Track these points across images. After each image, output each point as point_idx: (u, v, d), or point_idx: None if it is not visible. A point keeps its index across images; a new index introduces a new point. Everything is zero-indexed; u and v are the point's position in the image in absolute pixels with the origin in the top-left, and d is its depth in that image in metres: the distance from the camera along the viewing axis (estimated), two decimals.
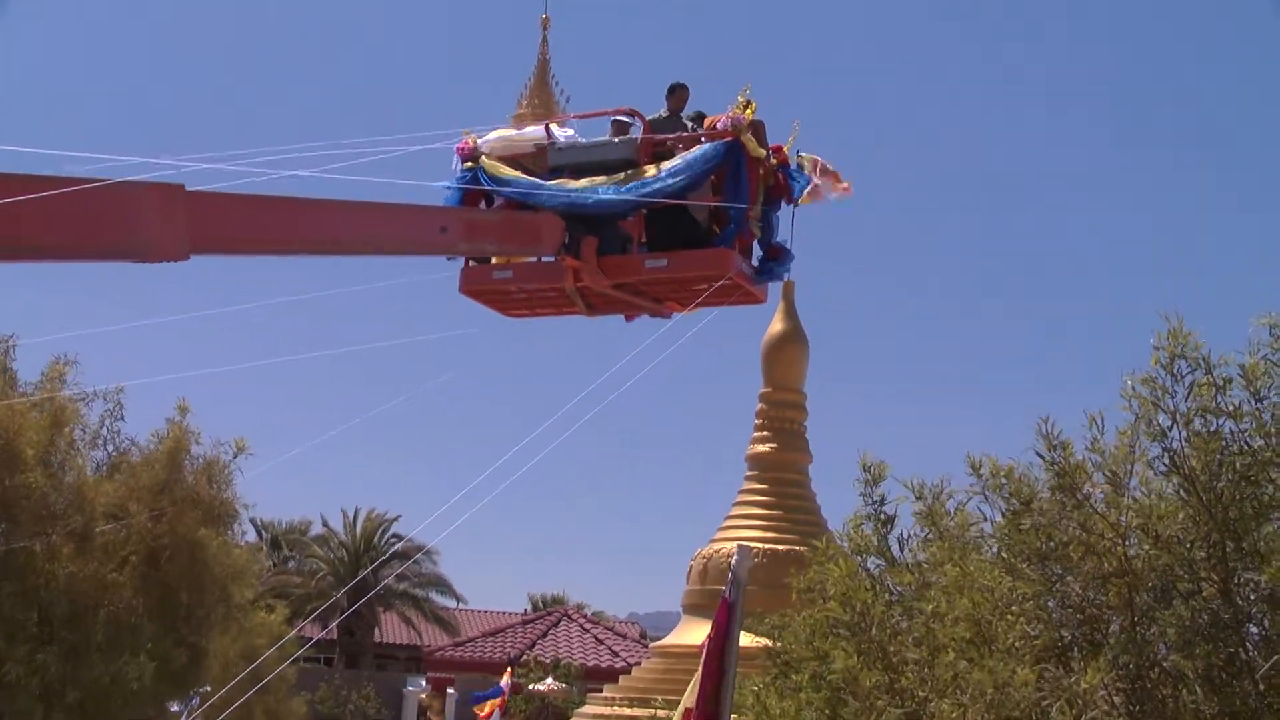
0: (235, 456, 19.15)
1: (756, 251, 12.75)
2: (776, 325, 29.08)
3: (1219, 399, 7.25)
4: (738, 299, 12.54)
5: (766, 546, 26.46)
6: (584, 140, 12.79)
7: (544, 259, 12.48)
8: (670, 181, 11.84)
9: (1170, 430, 7.38)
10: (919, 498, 9.25)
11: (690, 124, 12.72)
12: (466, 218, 12.00)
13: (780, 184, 12.74)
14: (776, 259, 12.81)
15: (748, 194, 12.12)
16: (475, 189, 12.45)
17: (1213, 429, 7.27)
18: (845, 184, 13.04)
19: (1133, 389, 7.33)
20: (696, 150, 12.03)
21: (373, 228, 9.93)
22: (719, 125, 12.19)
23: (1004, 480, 7.98)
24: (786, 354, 29.07)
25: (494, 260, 12.82)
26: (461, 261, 12.75)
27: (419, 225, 10.76)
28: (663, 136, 12.45)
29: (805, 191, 12.83)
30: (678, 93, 12.93)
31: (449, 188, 12.48)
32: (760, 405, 29.33)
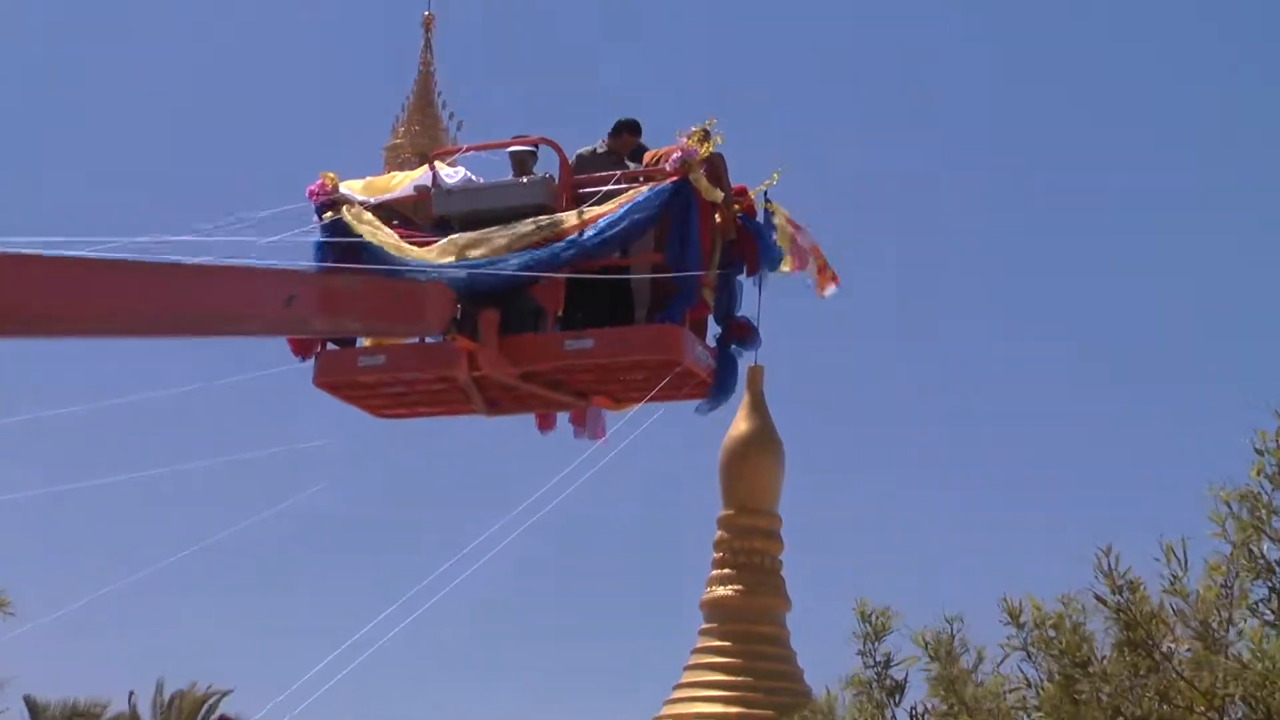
0: None
1: (713, 328, 12.67)
2: (740, 425, 28.96)
3: None
4: (688, 392, 12.43)
5: None
6: (481, 181, 12.69)
7: (428, 339, 12.34)
8: (593, 243, 11.77)
9: None
10: (934, 657, 9.07)
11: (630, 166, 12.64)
12: (322, 285, 11.81)
13: (745, 239, 12.68)
14: (739, 338, 12.73)
15: (699, 252, 12.03)
16: (342, 246, 12.32)
17: None
18: (832, 282, 13.19)
19: (1226, 509, 7.16)
20: (633, 198, 11.95)
21: (192, 298, 9.68)
22: (669, 163, 12.10)
23: (1052, 631, 7.81)
24: (753, 464, 28.95)
25: (363, 342, 12.66)
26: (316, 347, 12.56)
27: (256, 294, 10.52)
28: (586, 178, 12.35)
29: (781, 261, 12.83)
30: (625, 133, 12.79)
31: (321, 241, 12.37)
32: (720, 533, 29.15)
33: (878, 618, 9.55)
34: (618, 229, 11.86)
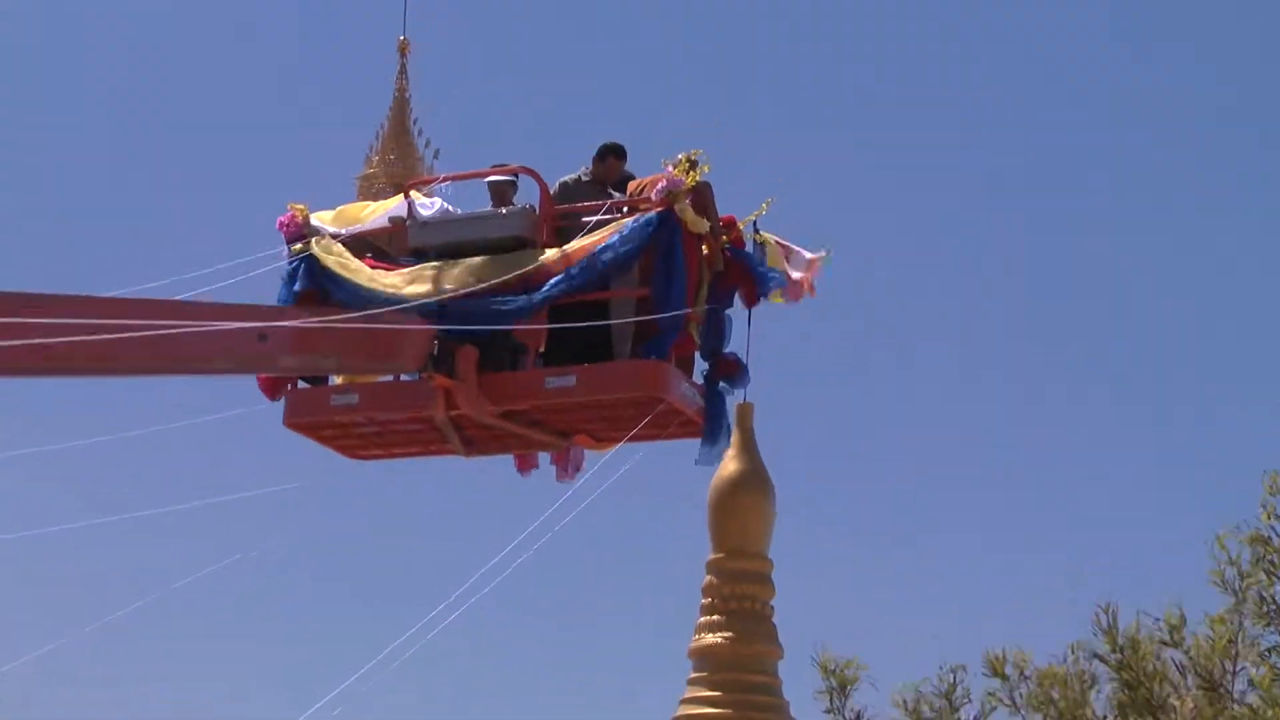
0: None
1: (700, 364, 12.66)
2: (729, 465, 28.76)
3: None
4: (674, 431, 12.42)
5: None
6: (458, 213, 12.68)
7: (404, 377, 12.32)
8: (577, 279, 11.79)
9: None
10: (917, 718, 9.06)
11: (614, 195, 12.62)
12: (296, 321, 11.81)
13: (735, 271, 12.68)
14: (727, 375, 12.71)
15: (685, 285, 12.01)
16: (314, 281, 12.33)
17: None
18: (809, 291, 13.16)
19: (1228, 555, 7.18)
20: (616, 231, 11.93)
21: (161, 336, 9.68)
22: (654, 193, 12.08)
23: (1050, 687, 7.79)
24: (743, 506, 28.63)
25: (335, 380, 12.65)
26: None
27: (226, 332, 10.55)
28: (568, 208, 12.35)
29: (776, 289, 12.81)
30: (609, 159, 12.75)
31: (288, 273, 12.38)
32: (709, 578, 28.95)
33: (841, 668, 9.50)
34: (601, 264, 11.84)
